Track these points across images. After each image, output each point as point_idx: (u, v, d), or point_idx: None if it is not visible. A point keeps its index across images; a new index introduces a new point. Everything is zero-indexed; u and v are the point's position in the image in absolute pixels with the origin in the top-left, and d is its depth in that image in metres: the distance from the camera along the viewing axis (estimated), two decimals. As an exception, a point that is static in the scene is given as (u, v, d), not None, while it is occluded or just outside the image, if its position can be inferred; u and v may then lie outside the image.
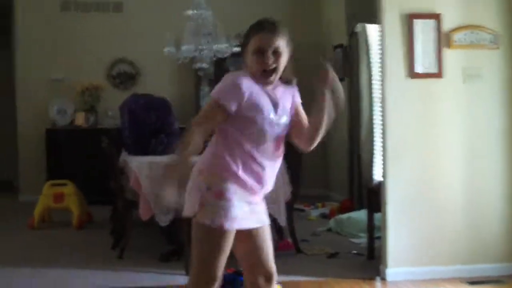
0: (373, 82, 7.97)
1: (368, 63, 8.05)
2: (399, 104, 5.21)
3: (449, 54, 5.25)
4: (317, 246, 6.41)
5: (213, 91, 3.07)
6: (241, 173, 3.05)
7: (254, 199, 3.14)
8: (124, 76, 9.88)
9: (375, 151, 7.88)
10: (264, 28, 3.06)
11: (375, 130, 7.89)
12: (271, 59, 3.02)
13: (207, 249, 3.06)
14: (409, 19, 5.19)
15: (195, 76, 9.45)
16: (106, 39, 9.75)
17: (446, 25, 5.25)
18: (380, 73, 5.39)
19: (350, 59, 8.62)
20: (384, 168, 5.25)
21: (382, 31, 5.27)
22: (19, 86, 9.75)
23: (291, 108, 3.24)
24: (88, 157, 8.97)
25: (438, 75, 5.23)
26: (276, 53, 3.03)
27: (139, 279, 5.40)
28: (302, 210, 8.27)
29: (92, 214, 7.83)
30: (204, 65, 7.60)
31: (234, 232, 3.07)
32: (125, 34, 9.78)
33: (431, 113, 5.25)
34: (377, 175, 7.62)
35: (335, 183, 9.69)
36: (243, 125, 3.04)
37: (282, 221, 5.93)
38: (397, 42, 5.20)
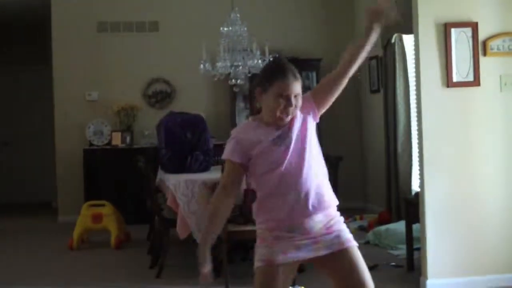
0: (410, 93, 7.92)
1: (405, 74, 8.00)
2: (435, 114, 5.15)
3: (485, 62, 5.20)
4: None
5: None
6: (267, 216, 3.19)
7: (301, 232, 3.15)
8: (160, 95, 9.92)
9: (412, 162, 7.80)
10: (288, 75, 3.18)
11: (412, 140, 7.83)
12: (293, 105, 3.15)
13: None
14: (445, 28, 5.14)
15: (231, 93, 9.46)
16: (142, 58, 9.81)
17: (482, 33, 5.20)
18: (416, 83, 5.33)
19: (385, 71, 8.57)
20: (422, 179, 5.19)
21: (417, 41, 5.22)
22: (57, 107, 9.83)
23: (303, 127, 3.24)
24: (125, 177, 9.01)
25: (475, 83, 5.17)
26: (296, 98, 3.16)
27: (178, 296, 5.39)
28: (341, 224, 8.19)
29: (130, 233, 7.84)
30: (239, 81, 7.61)
31: (274, 268, 3.13)
32: (160, 53, 9.84)
33: (469, 122, 5.19)
34: (415, 186, 7.54)
35: (373, 195, 9.62)
36: (256, 168, 3.17)
37: (320, 235, 5.89)
38: (433, 51, 5.15)
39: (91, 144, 9.50)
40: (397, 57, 8.13)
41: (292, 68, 3.22)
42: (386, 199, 8.61)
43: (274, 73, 3.20)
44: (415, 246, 5.78)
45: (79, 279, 6.12)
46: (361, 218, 8.56)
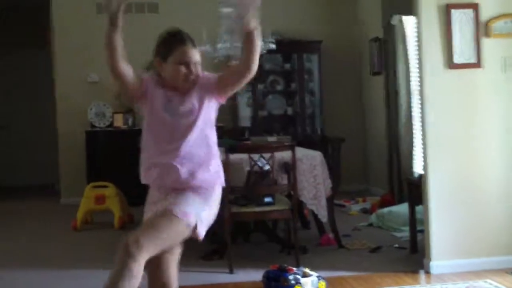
0: (411, 74, 7.91)
1: (405, 56, 7.99)
2: (438, 95, 5.16)
3: (488, 44, 5.19)
4: (359, 241, 6.38)
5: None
6: (144, 173, 3.42)
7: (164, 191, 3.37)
8: (160, 77, 9.91)
9: (414, 144, 7.82)
10: (186, 41, 3.33)
11: (414, 122, 7.84)
12: (193, 72, 3.31)
13: None
14: (446, 9, 5.14)
15: (231, 74, 9.47)
16: (142, 40, 9.69)
17: (485, 14, 5.19)
18: (417, 65, 5.33)
19: (386, 52, 8.57)
20: (425, 161, 5.20)
21: (419, 22, 5.22)
22: (58, 89, 9.85)
23: (198, 101, 3.35)
24: (127, 158, 9.01)
25: (477, 65, 5.18)
26: (196, 65, 3.33)
27: (182, 278, 5.35)
28: (343, 206, 8.24)
29: (133, 214, 7.87)
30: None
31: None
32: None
33: (471, 104, 5.19)
34: (417, 168, 7.57)
35: (375, 177, 9.64)
36: (145, 123, 3.39)
37: (323, 216, 5.92)
38: (435, 32, 5.15)
39: (93, 126, 9.51)
40: (398, 39, 8.12)
41: (190, 37, 3.35)
42: (388, 181, 8.64)
43: (172, 42, 3.35)
44: (418, 228, 5.80)
45: (83, 260, 6.15)
46: (363, 201, 8.58)
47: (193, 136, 3.30)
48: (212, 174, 3.37)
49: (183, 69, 3.30)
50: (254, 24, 3.13)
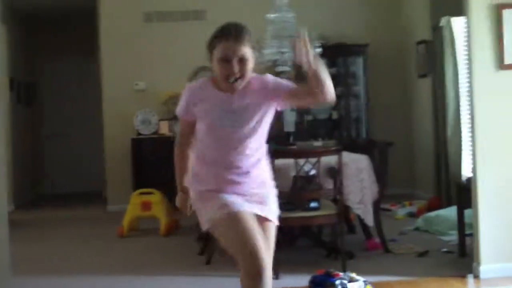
0: (460, 76, 7.80)
1: (454, 57, 7.88)
2: (488, 97, 5.06)
3: (541, 44, 5.06)
4: (406, 245, 6.30)
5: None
6: (203, 172, 3.42)
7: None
8: (206, 84, 9.92)
9: (462, 147, 7.70)
10: (229, 36, 3.09)
11: (462, 125, 7.72)
12: (236, 68, 3.07)
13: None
14: (498, 10, 5.03)
15: (277, 80, 9.46)
16: (189, 47, 9.80)
17: (537, 14, 5.07)
18: (467, 66, 5.23)
19: (433, 54, 8.46)
20: (474, 164, 5.10)
21: (469, 23, 5.12)
22: (105, 96, 9.93)
23: (261, 103, 3.21)
24: (172, 165, 9.02)
25: (529, 66, 5.05)
26: (242, 61, 3.08)
27: (227, 284, 5.38)
28: (389, 210, 8.12)
29: (179, 221, 7.87)
30: (286, 68, 7.57)
31: None
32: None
33: (522, 105, 5.07)
34: (466, 171, 7.44)
35: (421, 181, 9.52)
36: (201, 128, 3.25)
37: (369, 221, 5.85)
38: (485, 33, 5.06)
39: (139, 134, 9.56)
40: (446, 41, 8.01)
41: (237, 31, 3.12)
42: (435, 185, 8.52)
43: (217, 37, 3.13)
44: (466, 232, 5.69)
45: (130, 266, 6.16)
46: (410, 204, 8.46)
47: (253, 139, 3.23)
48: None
49: (224, 67, 3.07)
50: (315, 64, 3.03)
